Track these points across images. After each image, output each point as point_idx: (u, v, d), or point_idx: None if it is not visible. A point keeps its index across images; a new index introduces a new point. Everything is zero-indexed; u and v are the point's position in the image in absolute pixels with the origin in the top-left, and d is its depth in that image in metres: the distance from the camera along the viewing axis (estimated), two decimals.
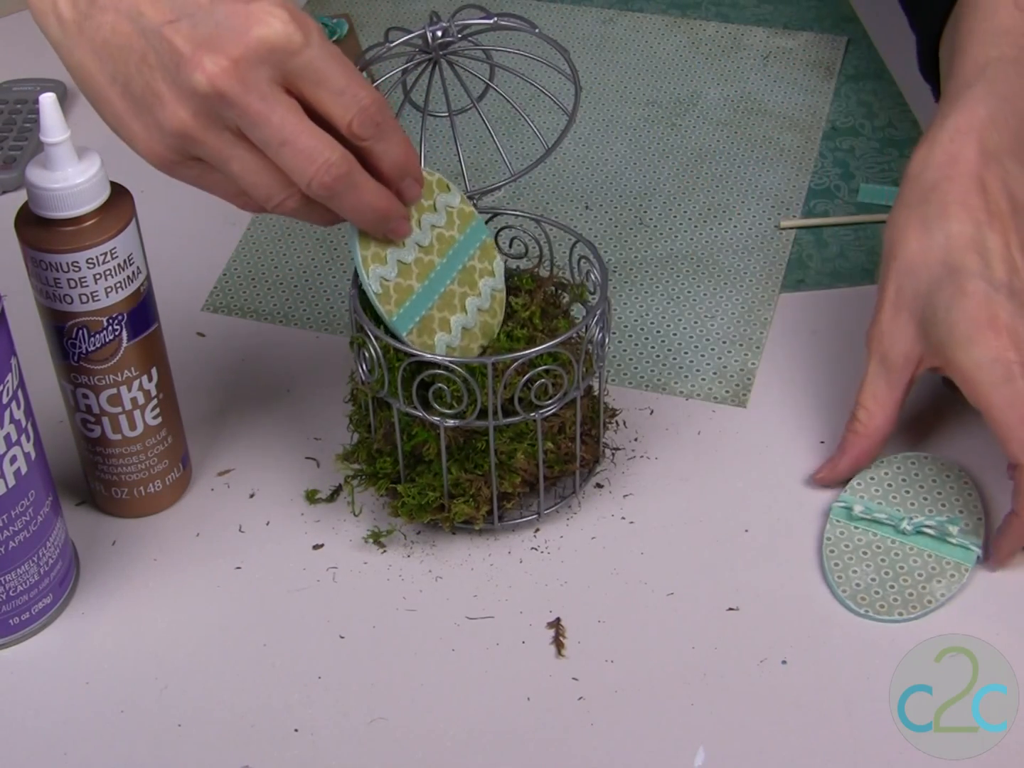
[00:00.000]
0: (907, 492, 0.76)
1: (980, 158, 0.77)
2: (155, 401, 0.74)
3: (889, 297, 0.76)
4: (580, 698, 0.69)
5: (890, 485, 0.76)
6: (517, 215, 0.79)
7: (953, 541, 0.73)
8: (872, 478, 0.77)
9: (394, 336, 0.71)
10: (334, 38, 1.10)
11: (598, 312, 0.72)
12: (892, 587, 0.72)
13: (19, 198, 0.71)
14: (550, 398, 0.71)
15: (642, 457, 0.80)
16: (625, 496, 0.78)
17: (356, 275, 0.71)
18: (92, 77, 0.65)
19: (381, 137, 0.67)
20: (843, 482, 0.77)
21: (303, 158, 0.64)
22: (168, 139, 0.65)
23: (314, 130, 0.65)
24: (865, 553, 0.73)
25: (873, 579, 0.72)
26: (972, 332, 0.72)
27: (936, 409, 0.81)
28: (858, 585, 0.72)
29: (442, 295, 0.73)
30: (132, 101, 0.65)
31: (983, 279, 0.73)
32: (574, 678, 0.69)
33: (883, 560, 0.73)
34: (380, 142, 0.67)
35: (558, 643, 0.71)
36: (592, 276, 0.75)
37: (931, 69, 0.88)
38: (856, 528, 0.74)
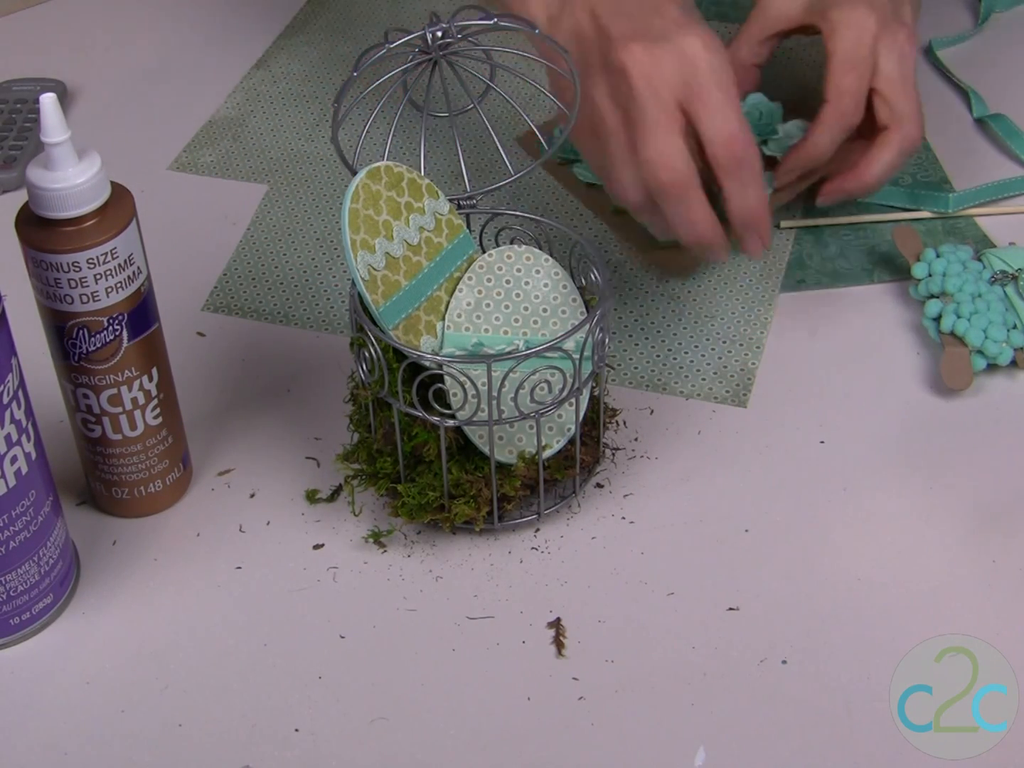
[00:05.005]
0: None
1: None
2: (155, 401, 0.74)
3: None
4: (580, 698, 0.69)
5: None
6: (517, 215, 0.79)
7: None
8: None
9: (380, 327, 0.71)
10: None
11: (598, 312, 0.72)
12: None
13: (19, 198, 0.71)
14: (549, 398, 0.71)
15: (642, 457, 0.80)
16: (625, 496, 0.78)
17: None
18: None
19: (737, 175, 0.72)
20: None
21: (655, 154, 0.73)
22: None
23: (675, 139, 0.73)
24: None
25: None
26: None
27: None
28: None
29: (429, 299, 0.73)
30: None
31: None
32: (574, 678, 0.69)
33: None
34: (734, 180, 0.73)
35: (558, 643, 0.71)
36: (592, 276, 0.75)
37: None
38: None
